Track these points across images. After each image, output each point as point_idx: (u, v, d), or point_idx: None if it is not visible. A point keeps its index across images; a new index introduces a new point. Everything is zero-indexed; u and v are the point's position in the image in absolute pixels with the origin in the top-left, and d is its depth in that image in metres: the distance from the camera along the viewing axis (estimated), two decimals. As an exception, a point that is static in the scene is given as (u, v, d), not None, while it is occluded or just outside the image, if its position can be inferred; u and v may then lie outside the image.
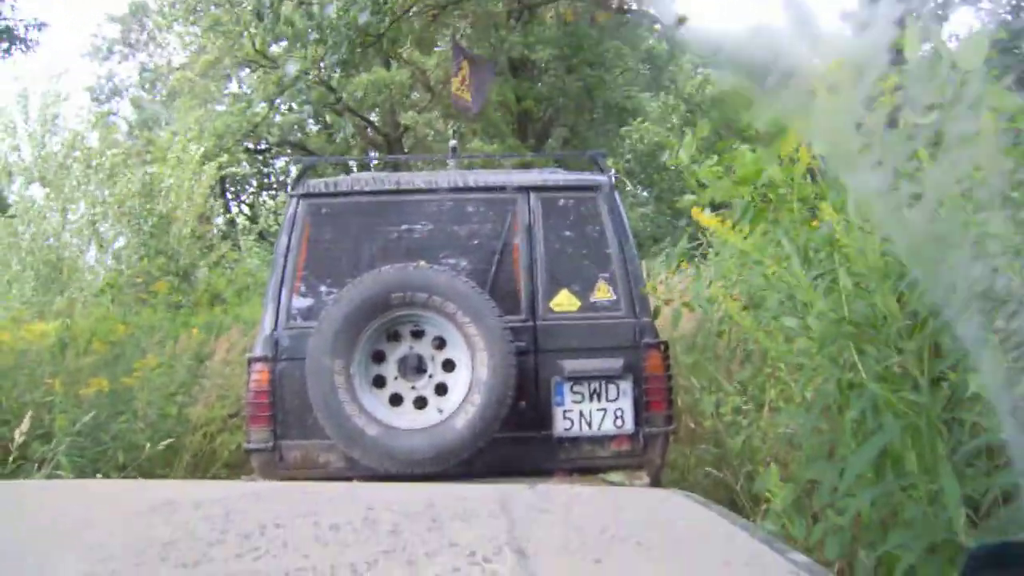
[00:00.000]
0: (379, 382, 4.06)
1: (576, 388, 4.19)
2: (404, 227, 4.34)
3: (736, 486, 4.55)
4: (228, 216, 24.75)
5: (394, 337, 4.09)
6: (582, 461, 4.24)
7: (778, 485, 2.90)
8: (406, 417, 4.00)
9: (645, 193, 28.26)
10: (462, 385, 3.98)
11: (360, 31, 12.36)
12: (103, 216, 18.14)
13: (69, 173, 19.05)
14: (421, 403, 4.05)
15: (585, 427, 4.19)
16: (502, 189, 4.40)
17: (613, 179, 4.49)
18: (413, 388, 4.06)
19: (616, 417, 4.18)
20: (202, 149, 19.00)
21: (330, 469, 4.15)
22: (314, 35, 13.52)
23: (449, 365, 4.07)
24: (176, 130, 20.89)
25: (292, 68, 18.15)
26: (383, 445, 3.87)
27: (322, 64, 17.83)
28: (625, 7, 18.43)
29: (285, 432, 4.16)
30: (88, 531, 1.37)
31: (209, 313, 10.71)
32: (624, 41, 24.26)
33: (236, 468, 5.95)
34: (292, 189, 4.44)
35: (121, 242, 17.92)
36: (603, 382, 4.19)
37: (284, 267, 4.26)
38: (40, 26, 10.89)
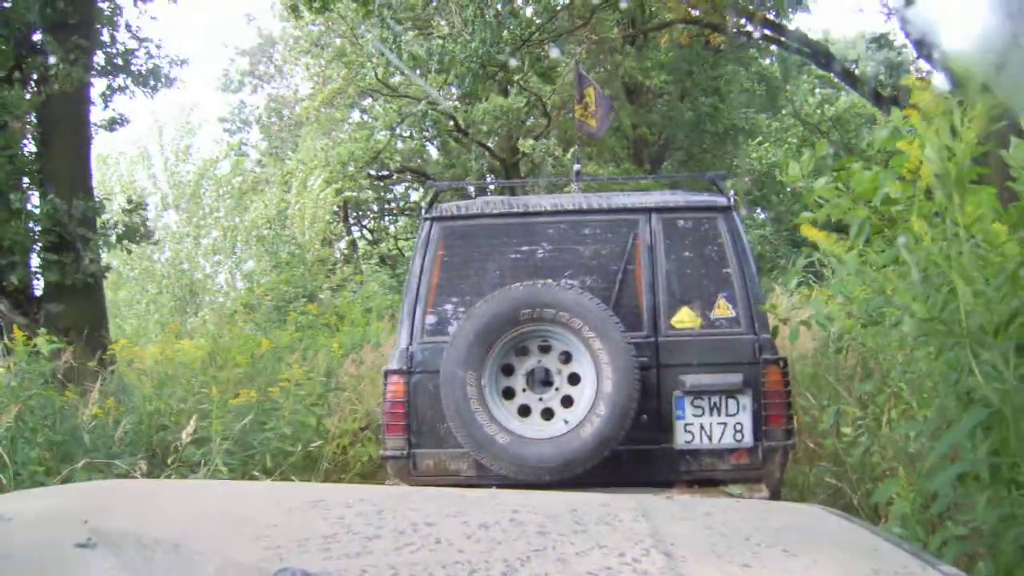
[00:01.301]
0: (508, 394, 4.26)
1: (697, 402, 4.30)
2: (531, 247, 4.54)
3: (855, 501, 4.60)
4: (348, 239, 25.52)
5: (522, 352, 4.29)
6: (702, 473, 4.35)
7: (899, 494, 2.98)
8: (534, 427, 4.19)
9: (763, 216, 27.91)
10: (587, 398, 4.14)
11: (483, 63, 12.66)
12: (234, 240, 19.02)
13: (200, 201, 20.04)
14: (548, 414, 4.24)
15: (705, 440, 4.30)
16: (625, 211, 4.57)
17: (732, 200, 4.60)
18: (540, 400, 4.25)
19: (736, 431, 4.28)
20: (321, 177, 19.70)
21: (461, 476, 4.36)
22: (435, 66, 13.93)
23: (575, 379, 4.23)
24: (302, 159, 21.77)
25: (420, 104, 18.62)
26: (512, 453, 4.07)
27: (440, 91, 18.34)
28: (740, 28, 18.39)
29: (419, 441, 4.40)
30: (253, 524, 1.47)
31: (336, 334, 11.16)
32: (739, 63, 24.11)
33: (368, 477, 6.26)
34: (426, 212, 4.68)
35: (251, 265, 18.76)
36: (723, 396, 4.29)
37: (419, 285, 4.50)
38: (182, 63, 11.54)
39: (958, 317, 2.48)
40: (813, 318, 4.24)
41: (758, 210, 27.39)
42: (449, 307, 4.49)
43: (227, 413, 5.33)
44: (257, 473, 5.22)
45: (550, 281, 4.31)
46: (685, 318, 4.40)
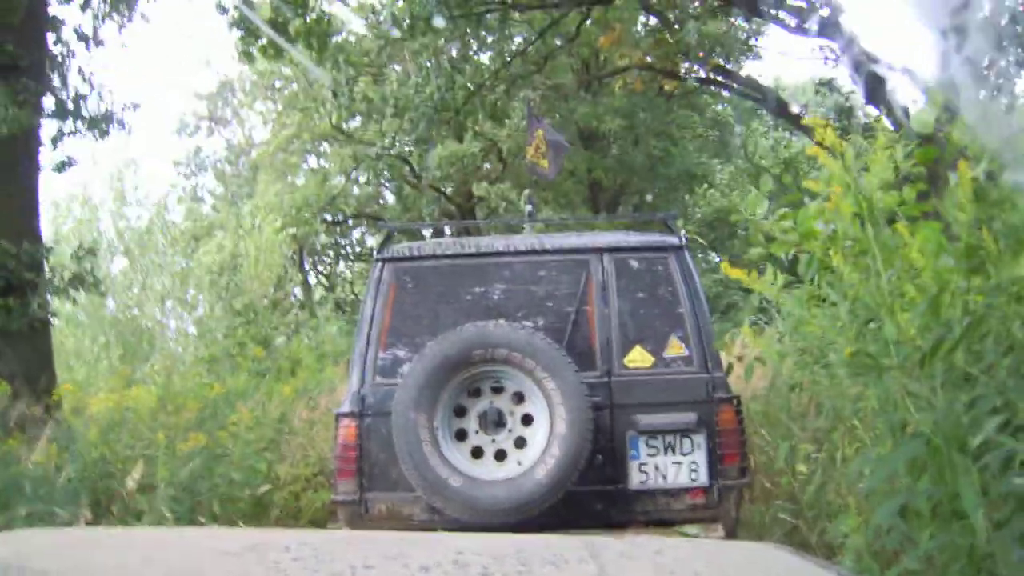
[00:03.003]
0: (461, 435, 4.22)
1: (651, 442, 4.29)
2: (484, 288, 4.52)
3: (812, 540, 4.59)
4: (299, 280, 25.32)
5: (475, 393, 4.25)
6: (657, 514, 4.32)
7: (852, 529, 2.97)
8: (487, 469, 4.15)
9: (717, 259, 28.20)
10: (541, 439, 4.11)
11: (437, 108, 12.73)
12: (186, 286, 18.79)
13: (149, 246, 19.79)
14: (501, 456, 4.20)
15: (660, 480, 4.28)
16: (578, 251, 4.57)
17: (684, 240, 4.63)
18: (493, 441, 4.21)
19: (691, 470, 4.27)
20: (272, 219, 19.59)
21: (414, 521, 4.29)
22: (390, 111, 13.98)
23: (528, 419, 4.21)
24: (257, 204, 21.65)
25: (374, 148, 18.67)
26: (466, 495, 4.02)
27: (394, 136, 18.40)
28: (692, 73, 18.70)
29: (371, 484, 4.33)
30: (185, 569, 1.44)
31: (291, 379, 11.03)
32: (693, 108, 24.46)
33: (320, 524, 6.14)
34: (377, 254, 4.66)
35: (202, 311, 18.53)
36: (677, 436, 4.28)
37: (370, 327, 4.47)
38: (135, 107, 11.44)
39: (887, 350, 2.51)
40: (765, 356, 4.26)
41: (712, 254, 27.67)
42: (401, 349, 4.45)
43: (174, 459, 5.23)
44: (204, 520, 5.11)
45: (502, 321, 4.29)
46: (638, 357, 4.40)
